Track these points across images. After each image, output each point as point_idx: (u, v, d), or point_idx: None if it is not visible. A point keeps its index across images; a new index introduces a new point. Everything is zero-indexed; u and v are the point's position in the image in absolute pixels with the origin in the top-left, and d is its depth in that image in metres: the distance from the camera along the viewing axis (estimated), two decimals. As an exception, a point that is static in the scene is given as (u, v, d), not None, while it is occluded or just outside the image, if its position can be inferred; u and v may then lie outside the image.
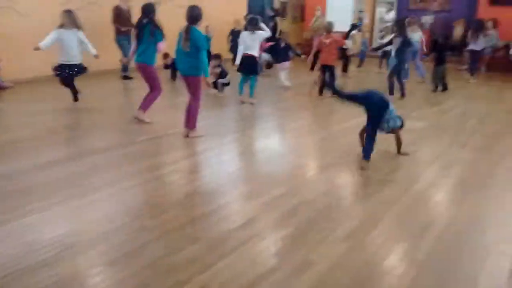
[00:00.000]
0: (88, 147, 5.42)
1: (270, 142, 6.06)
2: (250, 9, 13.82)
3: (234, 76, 8.66)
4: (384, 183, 4.48)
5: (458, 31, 14.02)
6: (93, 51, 7.26)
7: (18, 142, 5.51)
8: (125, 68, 9.93)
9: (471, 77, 11.21)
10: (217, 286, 2.73)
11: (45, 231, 3.35)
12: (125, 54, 9.56)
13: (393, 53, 8.84)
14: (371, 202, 4.05)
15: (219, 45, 11.39)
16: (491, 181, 4.65)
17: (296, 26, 16.40)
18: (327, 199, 4.07)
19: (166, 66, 9.93)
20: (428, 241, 3.34)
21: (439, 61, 9.47)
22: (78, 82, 7.46)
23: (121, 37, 9.67)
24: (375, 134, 4.89)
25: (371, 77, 11.51)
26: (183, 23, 5.58)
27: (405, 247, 3.28)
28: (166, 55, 9.63)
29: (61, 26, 6.97)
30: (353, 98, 5.18)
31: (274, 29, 12.62)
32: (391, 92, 8.66)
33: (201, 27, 5.69)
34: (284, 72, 9.65)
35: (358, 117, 5.53)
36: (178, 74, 7.34)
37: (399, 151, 5.26)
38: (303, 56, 10.49)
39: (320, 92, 8.73)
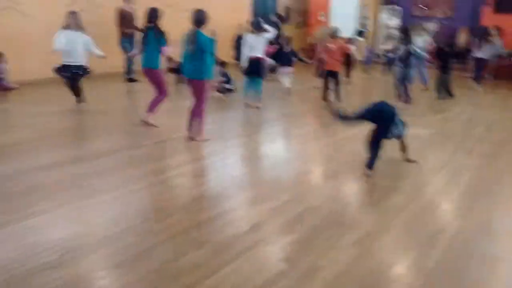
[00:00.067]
0: (92, 150, 5.40)
1: (276, 147, 6.03)
2: (254, 15, 13.84)
3: (240, 81, 8.66)
4: (390, 190, 4.44)
5: (462, 38, 14.02)
6: (99, 52, 7.26)
7: (22, 143, 5.49)
8: (129, 70, 9.93)
9: (476, 84, 11.18)
10: (224, 292, 2.70)
11: (48, 233, 3.32)
12: (128, 57, 9.57)
13: (398, 60, 8.81)
14: (378, 209, 4.01)
15: (223, 50, 11.38)
16: (499, 188, 4.61)
17: (299, 31, 16.41)
18: (334, 205, 4.04)
19: (171, 70, 9.92)
20: (436, 249, 3.30)
21: (444, 69, 9.45)
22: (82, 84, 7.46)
23: (125, 40, 9.68)
24: (382, 143, 4.78)
25: (376, 84, 11.50)
26: (187, 27, 5.58)
27: (413, 255, 3.24)
28: (170, 59, 9.62)
29: (66, 27, 6.97)
30: (360, 117, 4.97)
31: (277, 35, 12.64)
32: (401, 99, 8.54)
33: (206, 30, 5.69)
34: (287, 76, 9.64)
35: (363, 124, 5.48)
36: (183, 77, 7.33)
37: (405, 158, 5.21)
38: (309, 61, 10.50)
39: (325, 98, 8.71)
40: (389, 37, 15.57)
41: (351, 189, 4.62)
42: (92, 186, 4.21)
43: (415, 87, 10.18)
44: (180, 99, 8.46)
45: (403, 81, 8.67)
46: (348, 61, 11.03)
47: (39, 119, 6.59)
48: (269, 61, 11.31)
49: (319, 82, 9.40)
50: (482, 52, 11.17)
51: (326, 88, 8.73)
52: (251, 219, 3.68)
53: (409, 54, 8.49)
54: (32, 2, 9.16)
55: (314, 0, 16.56)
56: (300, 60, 10.26)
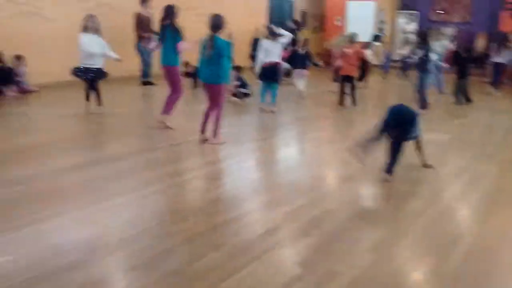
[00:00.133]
0: (109, 152, 5.45)
1: (291, 151, 6.02)
2: (271, 20, 13.86)
3: (255, 86, 8.67)
4: (408, 195, 4.39)
5: (480, 43, 13.86)
6: (115, 55, 7.31)
7: (40, 146, 5.56)
8: (145, 73, 10.01)
9: (494, 90, 11.03)
10: (240, 295, 2.69)
11: (65, 235, 3.34)
12: (144, 61, 9.65)
13: (415, 65, 8.73)
14: (396, 214, 3.96)
15: (239, 54, 11.43)
16: (519, 195, 4.53)
17: (316, 36, 16.40)
18: (350, 209, 4.00)
19: (188, 74, 9.97)
20: (455, 255, 3.24)
21: (462, 74, 9.34)
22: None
23: (142, 44, 9.77)
24: (402, 147, 4.67)
25: (393, 88, 11.42)
26: (204, 30, 5.61)
27: (431, 260, 3.19)
28: (187, 63, 9.68)
29: (85, 29, 7.05)
30: (383, 127, 4.76)
31: (294, 41, 12.63)
32: (419, 104, 8.32)
33: (223, 35, 5.70)
34: (302, 80, 9.63)
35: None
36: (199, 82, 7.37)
37: (423, 164, 5.13)
38: (321, 64, 10.48)
39: (341, 102, 8.69)
40: (406, 42, 15.47)
41: (368, 193, 4.58)
42: (108, 189, 4.24)
43: (431, 93, 10.11)
44: (196, 103, 8.49)
45: (421, 86, 8.58)
46: (364, 65, 10.99)
47: (58, 122, 6.67)
48: (285, 65, 11.33)
49: (335, 87, 9.37)
50: (500, 57, 11.04)
51: (342, 92, 8.72)
52: (266, 222, 3.67)
53: (426, 60, 8.41)
54: (53, 6, 9.31)
55: (331, 5, 16.54)
56: (315, 64, 10.25)
